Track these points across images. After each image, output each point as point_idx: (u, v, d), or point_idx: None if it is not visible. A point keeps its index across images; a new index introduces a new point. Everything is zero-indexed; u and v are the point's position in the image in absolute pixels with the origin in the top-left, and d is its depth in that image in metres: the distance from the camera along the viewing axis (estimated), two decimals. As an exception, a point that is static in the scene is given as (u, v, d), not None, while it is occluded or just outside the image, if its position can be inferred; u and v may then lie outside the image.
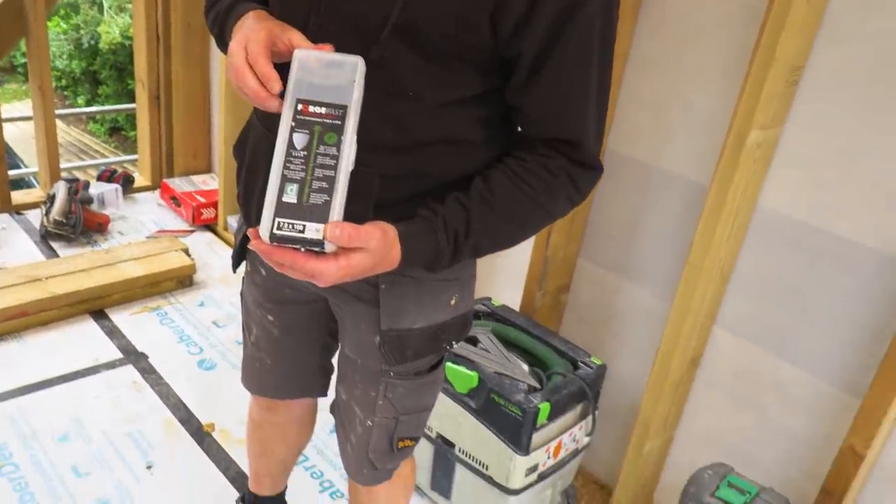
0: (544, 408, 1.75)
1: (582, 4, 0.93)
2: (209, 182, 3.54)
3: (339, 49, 0.93)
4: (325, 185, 0.87)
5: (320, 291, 1.25)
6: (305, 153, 0.88)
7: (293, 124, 0.89)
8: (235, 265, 1.36)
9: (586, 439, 1.97)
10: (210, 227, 3.41)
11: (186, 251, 2.98)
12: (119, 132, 11.07)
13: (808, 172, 1.61)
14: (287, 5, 1.05)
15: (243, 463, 2.11)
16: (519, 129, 1.09)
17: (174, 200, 3.43)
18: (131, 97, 3.66)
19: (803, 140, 1.61)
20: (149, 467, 2.07)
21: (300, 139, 0.88)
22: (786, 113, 1.61)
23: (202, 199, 3.37)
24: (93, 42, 11.22)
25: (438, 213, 1.01)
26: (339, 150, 0.88)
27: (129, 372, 2.42)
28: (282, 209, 0.86)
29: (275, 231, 0.86)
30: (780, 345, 1.73)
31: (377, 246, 0.93)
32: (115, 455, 2.09)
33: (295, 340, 1.41)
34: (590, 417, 1.93)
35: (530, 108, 1.02)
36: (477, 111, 1.05)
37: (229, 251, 3.24)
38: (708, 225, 1.66)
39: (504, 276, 2.28)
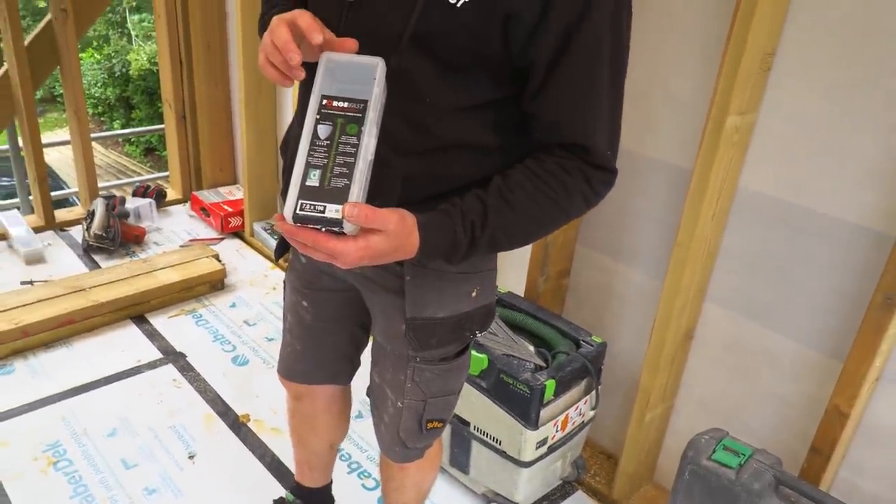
0: (550, 384, 1.77)
1: (589, 15, 0.94)
2: (235, 192, 3.59)
3: None
4: (345, 170, 0.90)
5: (351, 279, 1.27)
6: (328, 142, 0.91)
7: (318, 117, 0.92)
8: (278, 255, 1.40)
9: (591, 412, 1.99)
10: (238, 233, 3.46)
11: (217, 257, 3.03)
12: (153, 152, 11.19)
13: (783, 153, 1.62)
14: (316, 15, 1.06)
15: (278, 450, 2.16)
16: (536, 135, 1.08)
17: (203, 211, 3.49)
18: (161, 119, 3.71)
19: (778, 123, 1.62)
20: (191, 457, 2.12)
21: (324, 130, 0.92)
22: (760, 98, 1.62)
23: (229, 209, 3.42)
24: (124, 70, 11.34)
25: (456, 205, 1.02)
26: (359, 140, 0.91)
27: (170, 371, 2.48)
28: (305, 192, 0.89)
29: (297, 212, 0.88)
30: (767, 315, 1.74)
31: (395, 229, 0.94)
32: (159, 447, 2.14)
33: (325, 328, 1.43)
34: (594, 392, 1.95)
35: (543, 114, 1.03)
36: (492, 117, 1.06)
37: (256, 256, 3.30)
38: (693, 207, 1.67)
39: (509, 264, 2.30)
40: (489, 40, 0.97)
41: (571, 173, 1.03)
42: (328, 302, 1.39)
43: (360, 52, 0.97)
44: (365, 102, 0.92)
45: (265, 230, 3.31)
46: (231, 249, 3.34)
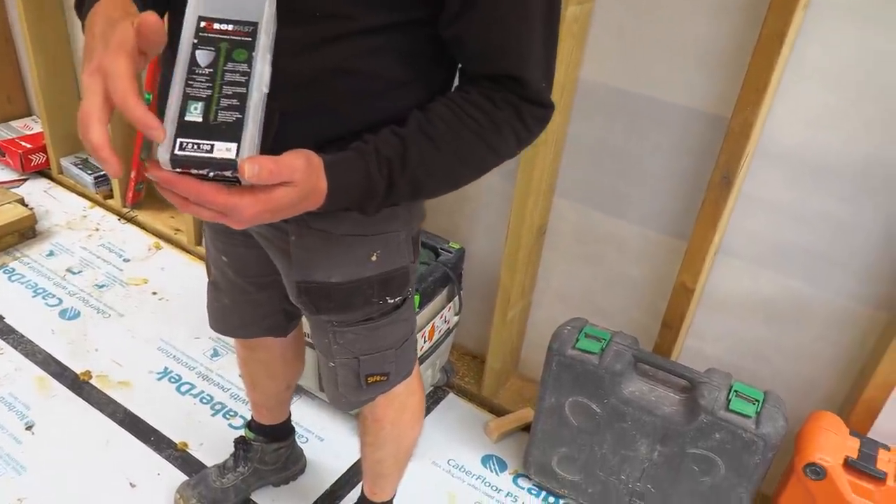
0: (415, 298, 1.73)
1: None
2: (31, 126, 3.13)
3: None
4: (235, 102, 0.71)
5: (252, 232, 1.12)
6: (211, 70, 0.72)
7: (196, 41, 0.73)
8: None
9: (455, 318, 1.99)
10: (43, 172, 3.05)
11: (22, 201, 2.66)
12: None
13: (621, 42, 1.61)
14: None
15: (131, 405, 1.98)
16: (461, 66, 0.93)
17: (-3, 151, 3.03)
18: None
19: (614, 11, 1.59)
20: (29, 428, 1.90)
21: (204, 56, 0.73)
22: (596, -14, 1.58)
23: (28, 145, 2.99)
24: None
25: (369, 141, 0.85)
26: (250, 67, 0.72)
27: (-14, 336, 2.18)
28: (185, 129, 0.70)
29: (177, 152, 0.69)
30: (613, 204, 1.78)
31: (302, 178, 0.76)
32: (-11, 423, 1.90)
33: (251, 282, 1.28)
34: (456, 298, 1.94)
35: (468, 40, 0.87)
36: (398, 42, 0.88)
37: (70, 195, 2.94)
38: (539, 103, 1.64)
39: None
40: None
41: (500, 106, 0.88)
42: (247, 255, 1.21)
43: None
44: (255, 24, 0.74)
45: (77, 165, 2.93)
46: (38, 191, 2.94)
